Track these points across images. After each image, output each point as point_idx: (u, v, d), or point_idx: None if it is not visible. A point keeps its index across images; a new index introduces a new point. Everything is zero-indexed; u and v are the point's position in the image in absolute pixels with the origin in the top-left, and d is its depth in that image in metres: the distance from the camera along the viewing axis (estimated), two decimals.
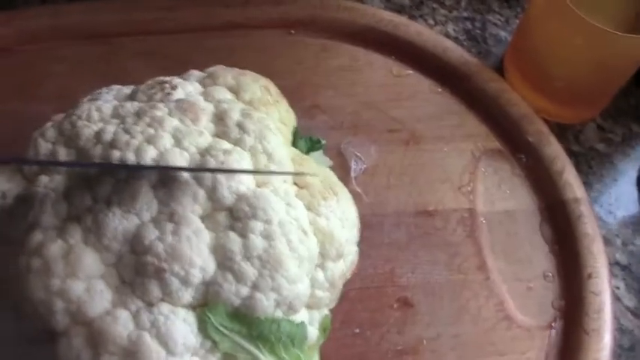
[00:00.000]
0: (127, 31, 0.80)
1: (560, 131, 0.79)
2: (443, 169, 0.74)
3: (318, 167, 0.55)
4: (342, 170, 0.72)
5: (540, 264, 0.69)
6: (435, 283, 0.67)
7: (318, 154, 0.65)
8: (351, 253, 0.55)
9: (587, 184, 0.76)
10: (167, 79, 0.56)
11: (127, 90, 0.56)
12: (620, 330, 0.69)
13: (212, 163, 0.47)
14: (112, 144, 0.48)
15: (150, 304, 0.45)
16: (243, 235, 0.46)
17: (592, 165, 0.79)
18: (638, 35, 0.66)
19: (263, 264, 0.46)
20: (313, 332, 0.52)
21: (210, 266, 0.46)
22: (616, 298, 0.71)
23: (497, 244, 0.70)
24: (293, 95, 0.69)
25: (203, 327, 0.45)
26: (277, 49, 0.81)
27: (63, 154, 0.49)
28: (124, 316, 0.44)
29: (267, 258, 0.46)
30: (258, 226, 0.47)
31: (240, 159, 0.49)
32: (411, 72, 0.80)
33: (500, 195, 0.73)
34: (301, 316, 0.50)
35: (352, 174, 0.72)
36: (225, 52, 0.78)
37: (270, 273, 0.46)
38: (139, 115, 0.51)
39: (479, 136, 0.76)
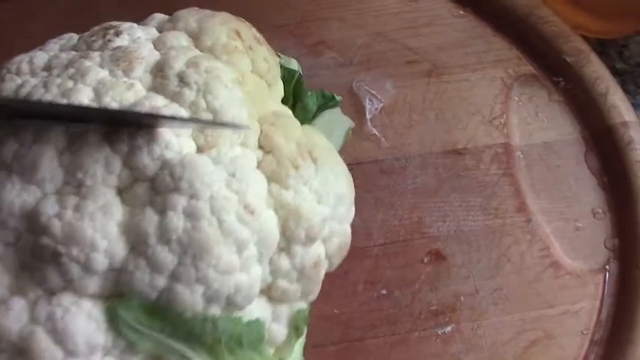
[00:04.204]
0: None
1: (602, 48, 0.69)
2: (471, 101, 0.64)
3: (299, 128, 0.45)
4: (355, 112, 0.62)
5: (588, 200, 0.60)
6: (469, 231, 0.57)
7: (333, 113, 0.55)
8: (335, 234, 0.44)
9: (636, 106, 0.66)
10: (115, 24, 0.46)
11: (77, 38, 0.47)
12: None
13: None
14: (26, 100, 0.40)
15: (51, 293, 0.36)
16: (162, 212, 0.37)
17: None
18: None
19: (184, 249, 0.37)
20: (279, 330, 0.42)
21: (119, 250, 0.36)
22: None
23: (538, 181, 0.60)
24: (295, 32, 0.60)
25: (114, 323, 0.37)
26: None
27: None
28: (18, 307, 0.36)
29: (188, 242, 0.37)
30: (180, 201, 0.37)
31: None
32: None
33: (537, 125, 0.63)
34: (258, 310, 0.41)
35: (367, 115, 0.62)
36: None
37: (193, 261, 0.37)
38: (67, 66, 0.42)
39: (509, 61, 0.66)
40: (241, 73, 0.43)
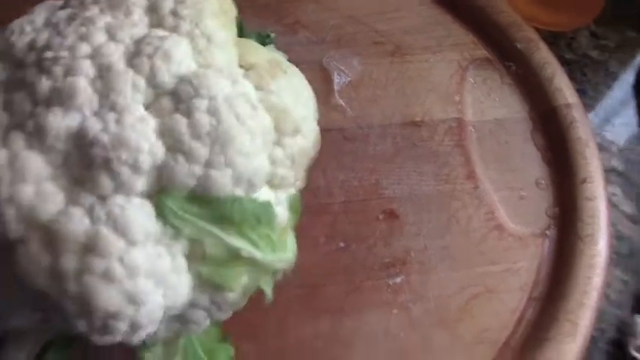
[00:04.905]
0: None
1: (553, 40, 0.73)
2: (429, 79, 0.68)
3: (265, 49, 0.50)
4: (324, 84, 0.66)
5: (533, 172, 0.64)
6: (422, 194, 0.61)
7: (270, 49, 0.58)
8: (311, 130, 0.49)
9: (582, 92, 0.70)
10: None
11: (60, 2, 0.51)
12: (618, 237, 0.64)
13: (148, 50, 0.42)
14: (45, 47, 0.43)
15: (103, 198, 0.40)
16: (189, 114, 0.41)
17: (586, 72, 0.73)
18: None
19: (213, 140, 0.41)
20: (282, 213, 0.47)
21: (159, 150, 0.41)
22: (613, 205, 0.65)
23: (488, 154, 0.64)
24: (274, 12, 0.64)
25: (162, 214, 0.41)
26: None
27: None
28: (78, 214, 0.39)
29: (216, 134, 0.41)
30: (202, 103, 0.41)
31: (177, 43, 0.43)
32: None
33: (489, 104, 0.67)
34: (265, 195, 0.45)
35: (335, 87, 0.66)
36: None
37: (222, 149, 0.41)
38: (71, 19, 0.45)
39: (466, 46, 0.70)
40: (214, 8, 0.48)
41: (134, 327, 0.41)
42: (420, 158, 0.63)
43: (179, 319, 0.45)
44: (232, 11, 0.51)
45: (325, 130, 0.62)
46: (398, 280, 0.57)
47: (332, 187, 0.60)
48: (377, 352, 0.54)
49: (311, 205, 0.59)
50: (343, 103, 0.65)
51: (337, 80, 0.66)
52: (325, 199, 0.60)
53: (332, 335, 0.54)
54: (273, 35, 0.58)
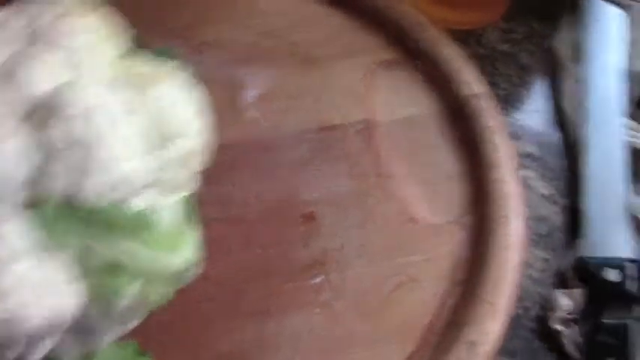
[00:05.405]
0: None
1: (462, 37, 0.74)
2: (339, 84, 0.69)
3: (150, 61, 0.50)
4: (237, 99, 0.67)
5: (445, 164, 0.65)
6: (337, 195, 0.62)
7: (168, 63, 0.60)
8: (198, 132, 0.50)
9: (494, 85, 0.72)
10: None
11: None
12: (537, 218, 0.65)
13: (16, 68, 0.43)
14: None
15: None
16: (57, 125, 0.42)
17: (497, 66, 0.75)
18: None
19: (82, 147, 0.42)
20: (172, 216, 0.47)
21: (31, 162, 0.41)
22: (531, 188, 0.67)
23: (399, 151, 0.65)
24: (184, 33, 0.65)
25: (38, 225, 0.41)
26: None
27: None
28: None
29: (84, 141, 0.42)
30: (70, 113, 0.42)
31: (46, 58, 0.45)
32: None
33: (399, 103, 0.68)
34: (149, 199, 0.45)
35: (249, 100, 0.67)
36: None
37: (92, 155, 0.42)
38: None
39: (373, 50, 0.72)
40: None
41: (26, 342, 0.41)
42: (334, 161, 0.64)
43: (80, 332, 0.45)
44: (117, 27, 0.52)
45: (240, 143, 0.64)
46: (318, 280, 0.58)
47: (247, 196, 0.61)
48: (303, 351, 0.55)
49: (226, 217, 0.60)
50: (257, 115, 0.67)
51: (250, 94, 0.68)
52: (240, 209, 0.60)
53: (257, 339, 0.55)
54: (173, 50, 0.58)
